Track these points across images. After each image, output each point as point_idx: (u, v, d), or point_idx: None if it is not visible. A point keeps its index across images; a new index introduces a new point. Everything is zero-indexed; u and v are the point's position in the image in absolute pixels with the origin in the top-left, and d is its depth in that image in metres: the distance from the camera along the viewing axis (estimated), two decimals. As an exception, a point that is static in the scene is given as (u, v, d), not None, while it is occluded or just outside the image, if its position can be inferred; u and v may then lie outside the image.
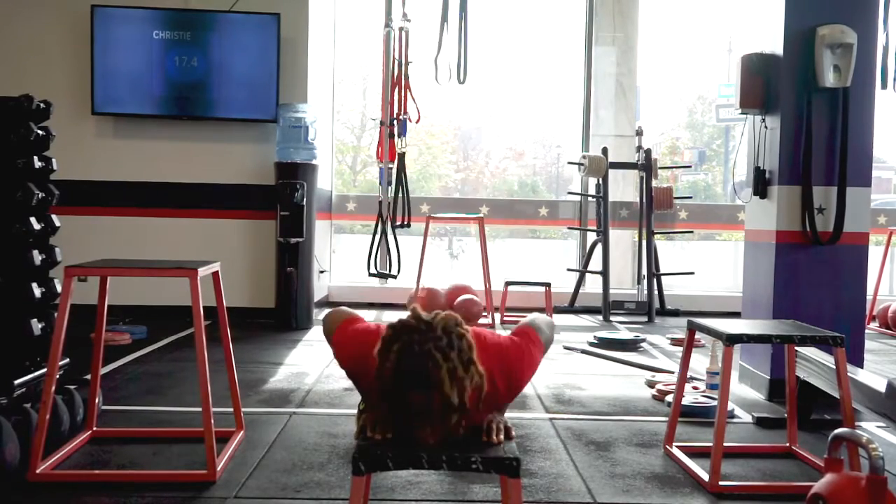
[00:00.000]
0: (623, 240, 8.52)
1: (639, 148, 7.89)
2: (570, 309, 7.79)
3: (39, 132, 3.37)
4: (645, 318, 7.40)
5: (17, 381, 3.15)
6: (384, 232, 6.42)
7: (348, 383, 4.49)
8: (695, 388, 4.40)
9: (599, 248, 7.72)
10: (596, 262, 7.73)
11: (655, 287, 7.61)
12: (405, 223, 6.54)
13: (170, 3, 6.59)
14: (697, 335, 3.37)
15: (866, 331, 4.79)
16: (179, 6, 6.61)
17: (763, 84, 4.48)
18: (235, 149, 6.76)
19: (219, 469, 2.95)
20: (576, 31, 8.70)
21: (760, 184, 4.49)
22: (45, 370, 3.13)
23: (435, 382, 1.85)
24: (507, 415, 2.22)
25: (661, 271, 7.78)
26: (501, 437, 2.03)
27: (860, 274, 4.41)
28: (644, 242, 7.70)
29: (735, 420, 3.95)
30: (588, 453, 3.37)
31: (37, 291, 3.29)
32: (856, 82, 4.26)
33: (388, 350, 1.91)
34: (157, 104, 6.61)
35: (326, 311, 2.41)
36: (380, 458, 1.89)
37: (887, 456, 2.78)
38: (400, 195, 6.50)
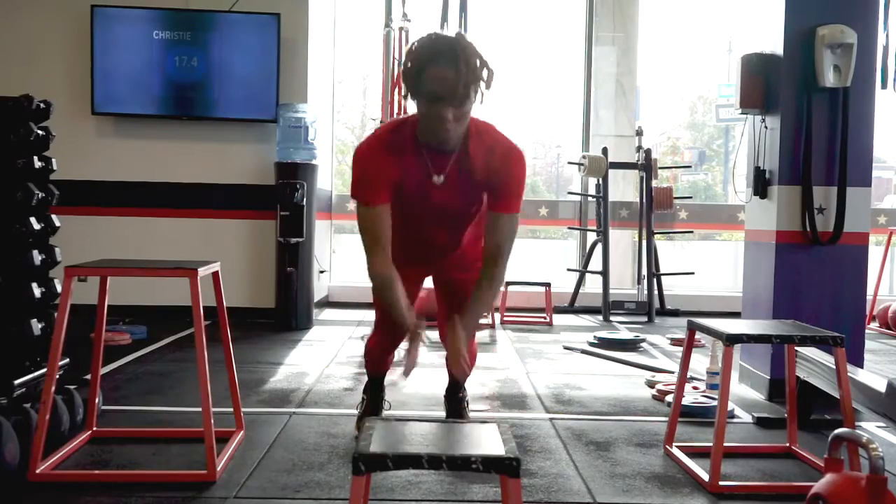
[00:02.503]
0: (623, 240, 8.52)
1: (639, 148, 7.89)
2: (570, 309, 7.79)
3: (39, 132, 3.37)
4: (645, 318, 7.40)
5: (16, 381, 3.15)
6: (384, 232, 6.41)
7: (348, 383, 4.51)
8: (695, 388, 4.40)
9: (599, 248, 7.72)
10: (596, 262, 7.74)
11: (655, 287, 7.61)
12: (405, 223, 6.53)
13: (170, 3, 6.59)
14: (697, 335, 3.37)
15: (866, 331, 4.78)
16: (179, 6, 6.61)
17: (763, 84, 4.48)
18: (235, 149, 6.76)
19: (219, 469, 2.95)
20: (576, 31, 8.71)
21: (760, 184, 4.49)
22: (45, 370, 3.13)
23: (462, 55, 2.32)
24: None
25: (661, 271, 7.78)
26: (465, 366, 2.41)
27: (860, 274, 4.41)
28: (644, 242, 7.70)
29: (735, 420, 3.95)
30: (588, 453, 3.37)
31: (37, 291, 3.29)
32: (856, 82, 4.26)
33: (414, 46, 2.40)
34: (157, 104, 6.62)
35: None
36: (380, 458, 1.89)
37: (887, 456, 2.78)
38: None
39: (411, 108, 6.62)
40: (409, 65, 2.42)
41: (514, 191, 2.69)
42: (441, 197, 2.75)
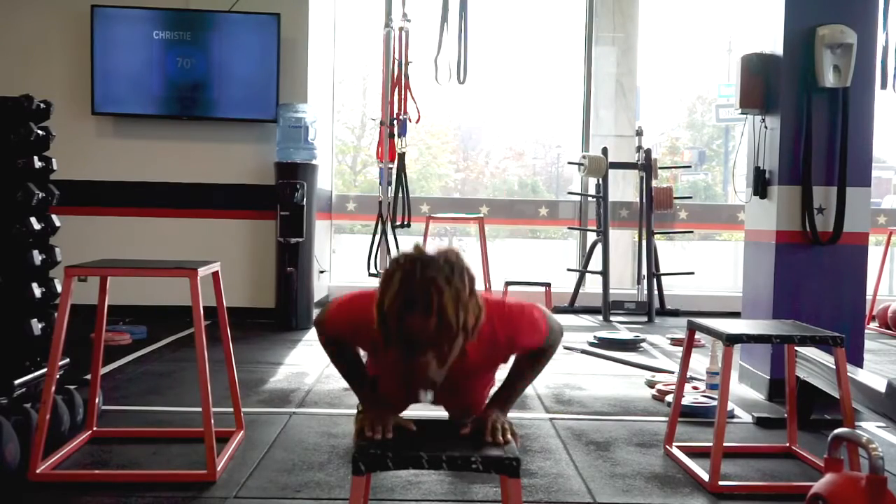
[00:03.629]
0: (623, 240, 8.52)
1: (639, 148, 7.89)
2: (570, 309, 7.79)
3: (39, 132, 3.37)
4: (645, 318, 7.40)
5: (17, 381, 3.15)
6: (384, 232, 6.43)
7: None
8: (695, 388, 4.40)
9: (599, 248, 7.72)
10: (596, 262, 7.73)
11: (655, 287, 7.61)
12: (405, 223, 6.54)
13: (170, 3, 6.59)
14: (697, 335, 3.37)
15: (866, 331, 4.79)
16: (179, 6, 6.61)
17: (763, 84, 4.48)
18: (235, 149, 6.76)
19: (219, 469, 2.95)
20: (576, 31, 8.71)
21: (760, 184, 4.49)
22: (45, 370, 3.13)
23: (437, 307, 1.84)
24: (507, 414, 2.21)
25: (661, 271, 7.78)
26: (508, 437, 2.01)
27: (860, 274, 4.41)
28: (644, 242, 7.70)
29: (735, 420, 3.95)
30: (588, 453, 3.37)
31: (37, 291, 3.29)
32: (856, 82, 4.26)
33: (390, 279, 1.89)
34: (158, 104, 6.62)
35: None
36: (380, 458, 1.89)
37: (887, 456, 2.78)
38: (400, 195, 6.50)
39: (411, 108, 6.58)
40: (383, 311, 1.91)
41: (535, 338, 2.21)
42: (437, 398, 2.25)
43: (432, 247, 2.03)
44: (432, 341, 1.88)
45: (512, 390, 2.24)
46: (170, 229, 6.72)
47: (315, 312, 6.70)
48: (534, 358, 2.25)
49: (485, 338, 2.03)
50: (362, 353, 2.31)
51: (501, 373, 2.30)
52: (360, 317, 2.05)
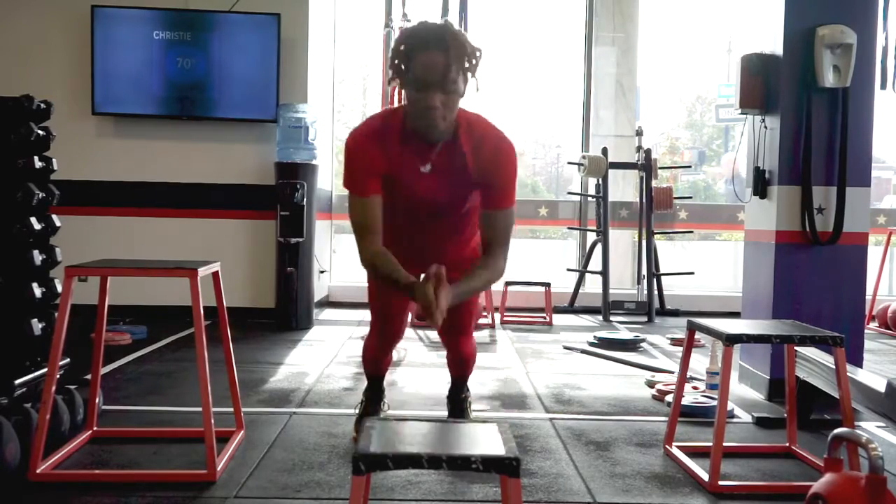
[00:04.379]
0: (623, 240, 8.52)
1: (639, 148, 7.90)
2: (570, 309, 7.80)
3: (40, 132, 3.38)
4: (645, 318, 7.40)
5: (17, 381, 3.16)
6: (384, 232, 6.42)
7: (348, 383, 4.51)
8: (695, 388, 4.40)
9: (599, 248, 7.73)
10: (596, 262, 7.74)
11: (655, 287, 7.61)
12: (405, 223, 6.54)
13: (170, 4, 6.59)
14: (697, 335, 3.37)
15: (866, 331, 4.79)
16: (179, 6, 6.62)
17: (763, 84, 4.49)
18: (235, 149, 6.76)
19: (219, 469, 2.95)
20: (576, 31, 8.71)
21: (760, 184, 4.49)
22: (45, 370, 3.13)
23: (451, 40, 2.30)
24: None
25: (661, 271, 7.78)
26: (438, 317, 2.35)
27: (860, 274, 4.41)
28: (644, 242, 7.70)
29: (735, 420, 3.95)
30: (588, 453, 3.37)
31: (37, 291, 3.29)
32: (855, 82, 4.26)
33: (405, 31, 2.42)
34: (158, 104, 6.62)
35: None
36: (380, 458, 1.89)
37: (887, 456, 2.79)
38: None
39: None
40: (398, 52, 2.41)
41: (506, 185, 2.66)
42: (429, 189, 2.69)
43: None
44: (442, 78, 2.31)
45: (468, 281, 2.63)
46: (170, 229, 6.72)
47: (315, 312, 6.70)
48: (486, 261, 2.72)
49: (474, 137, 2.56)
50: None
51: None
52: (380, 125, 2.60)
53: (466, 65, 2.40)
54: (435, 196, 2.74)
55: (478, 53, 2.42)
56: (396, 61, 2.42)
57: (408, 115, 2.58)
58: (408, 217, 2.83)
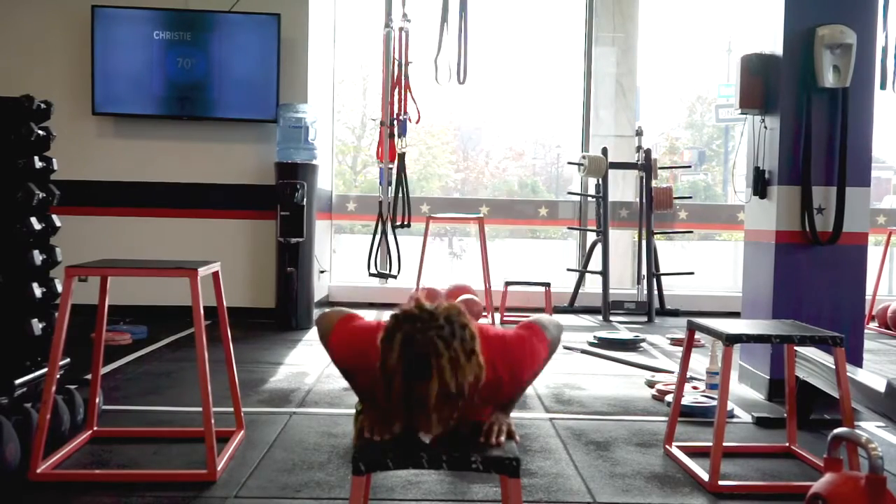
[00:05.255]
0: (623, 240, 8.52)
1: (639, 148, 7.89)
2: (570, 309, 7.80)
3: (40, 132, 3.38)
4: (645, 318, 7.40)
5: (17, 381, 3.16)
6: (384, 232, 6.43)
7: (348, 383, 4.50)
8: (695, 388, 4.40)
9: (599, 248, 7.72)
10: (596, 262, 7.74)
11: (655, 287, 7.61)
12: (405, 223, 6.54)
13: (170, 4, 6.59)
14: (697, 335, 3.37)
15: (866, 331, 4.79)
16: (179, 6, 6.62)
17: (763, 84, 4.49)
18: (235, 149, 6.76)
19: (219, 469, 2.95)
20: (576, 31, 8.71)
21: (760, 184, 4.49)
22: (45, 370, 3.13)
23: (435, 372, 1.83)
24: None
25: (661, 271, 7.78)
26: (502, 438, 2.01)
27: (860, 274, 4.41)
28: (644, 242, 7.70)
29: (735, 420, 3.95)
30: (588, 453, 3.38)
31: (37, 291, 3.29)
32: (855, 82, 4.26)
33: (391, 340, 1.88)
34: (158, 104, 6.62)
35: (326, 310, 2.40)
36: (380, 458, 1.90)
37: (887, 456, 2.79)
38: (400, 195, 6.50)
39: (411, 108, 6.57)
40: (386, 376, 1.88)
41: (537, 364, 2.20)
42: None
43: (434, 294, 1.95)
44: (432, 406, 1.85)
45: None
46: (170, 229, 6.72)
47: (315, 313, 6.70)
48: None
49: (489, 381, 1.98)
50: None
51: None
52: (363, 352, 2.04)
53: (461, 381, 1.85)
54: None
55: (474, 349, 1.90)
56: (383, 383, 1.90)
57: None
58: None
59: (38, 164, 3.37)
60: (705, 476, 2.99)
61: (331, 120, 8.04)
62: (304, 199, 6.37)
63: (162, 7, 6.57)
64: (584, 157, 7.75)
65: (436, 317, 1.90)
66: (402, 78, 6.36)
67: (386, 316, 2.05)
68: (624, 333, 6.34)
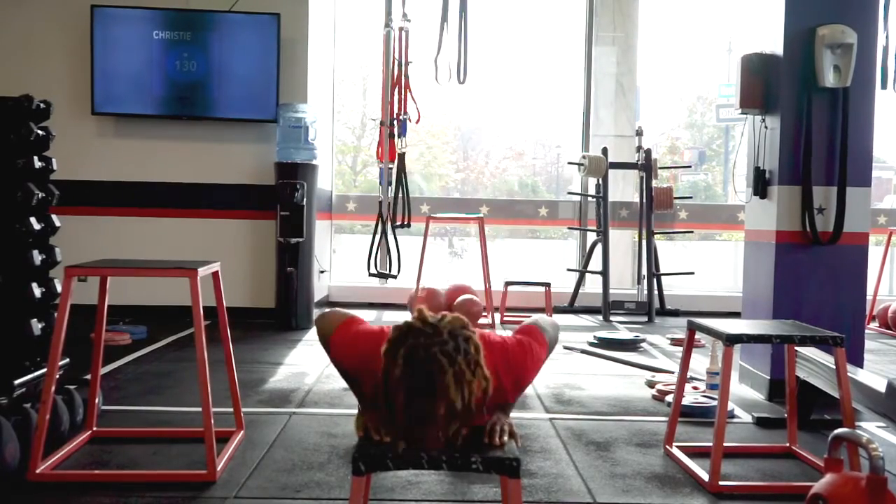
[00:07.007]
0: (623, 240, 8.52)
1: (639, 148, 7.89)
2: (570, 309, 7.79)
3: (39, 132, 3.37)
4: (645, 318, 7.40)
5: (17, 381, 3.15)
6: (384, 232, 6.42)
7: (348, 383, 4.50)
8: (695, 388, 4.40)
9: (599, 248, 7.72)
10: (596, 262, 7.73)
11: (655, 287, 7.61)
12: (405, 223, 6.54)
13: (170, 4, 6.59)
14: (697, 335, 3.37)
15: (866, 331, 4.79)
16: (179, 6, 6.61)
17: (763, 84, 4.48)
18: (235, 149, 6.76)
19: (219, 469, 2.95)
20: (576, 31, 8.70)
21: (760, 184, 4.49)
22: (45, 370, 3.13)
23: (440, 389, 1.81)
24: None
25: (661, 271, 7.78)
26: (504, 439, 2.01)
27: (860, 274, 4.41)
28: (644, 242, 7.70)
29: (735, 420, 3.95)
30: (588, 453, 3.37)
31: (37, 291, 3.29)
32: (856, 82, 4.26)
33: (394, 354, 1.86)
34: (158, 104, 6.62)
35: (325, 310, 2.38)
36: (380, 458, 1.89)
37: (887, 456, 2.78)
38: (400, 195, 6.50)
39: (411, 108, 6.56)
40: (389, 392, 1.87)
41: (538, 367, 2.21)
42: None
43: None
44: (439, 423, 1.85)
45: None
46: (170, 229, 6.72)
47: (315, 313, 6.69)
48: None
49: (493, 389, 1.97)
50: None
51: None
52: (366, 358, 2.03)
53: (466, 396, 1.84)
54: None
55: (479, 362, 1.89)
56: (386, 399, 1.89)
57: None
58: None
59: (38, 164, 3.36)
60: (706, 476, 2.99)
61: (331, 120, 8.03)
62: (304, 199, 6.36)
63: (162, 7, 6.57)
64: (584, 157, 7.75)
65: (440, 331, 1.88)
66: (402, 78, 6.36)
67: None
68: (624, 333, 6.34)
